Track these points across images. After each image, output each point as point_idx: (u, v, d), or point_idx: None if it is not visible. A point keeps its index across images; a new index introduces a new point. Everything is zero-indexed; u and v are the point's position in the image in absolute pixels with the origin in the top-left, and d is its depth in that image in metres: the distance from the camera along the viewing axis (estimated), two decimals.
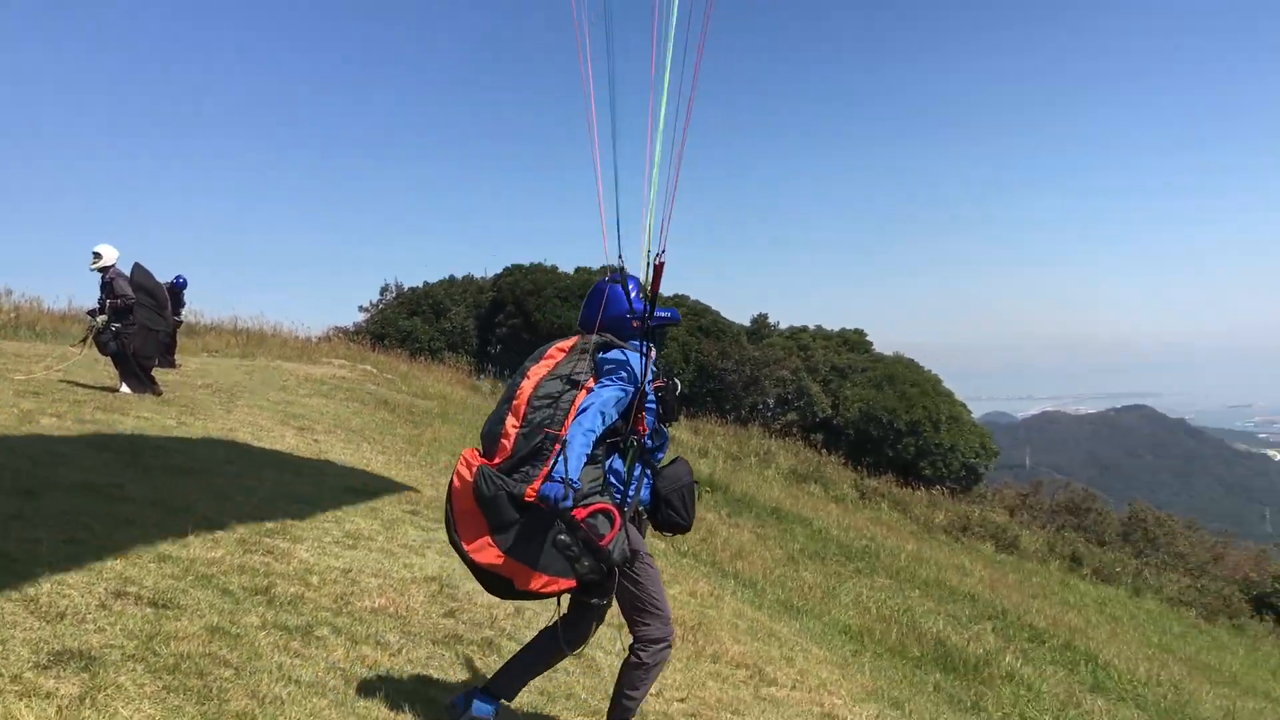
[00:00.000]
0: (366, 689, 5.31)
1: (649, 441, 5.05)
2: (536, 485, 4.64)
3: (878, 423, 42.01)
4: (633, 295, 5.22)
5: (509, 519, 4.69)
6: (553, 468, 4.61)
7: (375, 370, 26.94)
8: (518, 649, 5.56)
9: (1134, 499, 52.31)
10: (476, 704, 5.08)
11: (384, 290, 48.69)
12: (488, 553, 4.75)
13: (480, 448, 4.98)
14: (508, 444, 4.83)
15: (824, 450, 40.17)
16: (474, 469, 4.75)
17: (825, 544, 22.01)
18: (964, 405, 45.49)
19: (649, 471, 5.09)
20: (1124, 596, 29.83)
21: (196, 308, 31.08)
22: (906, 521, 31.99)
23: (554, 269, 45.13)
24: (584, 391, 4.88)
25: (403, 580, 7.79)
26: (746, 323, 48.50)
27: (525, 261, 46.05)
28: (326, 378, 22.99)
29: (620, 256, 5.20)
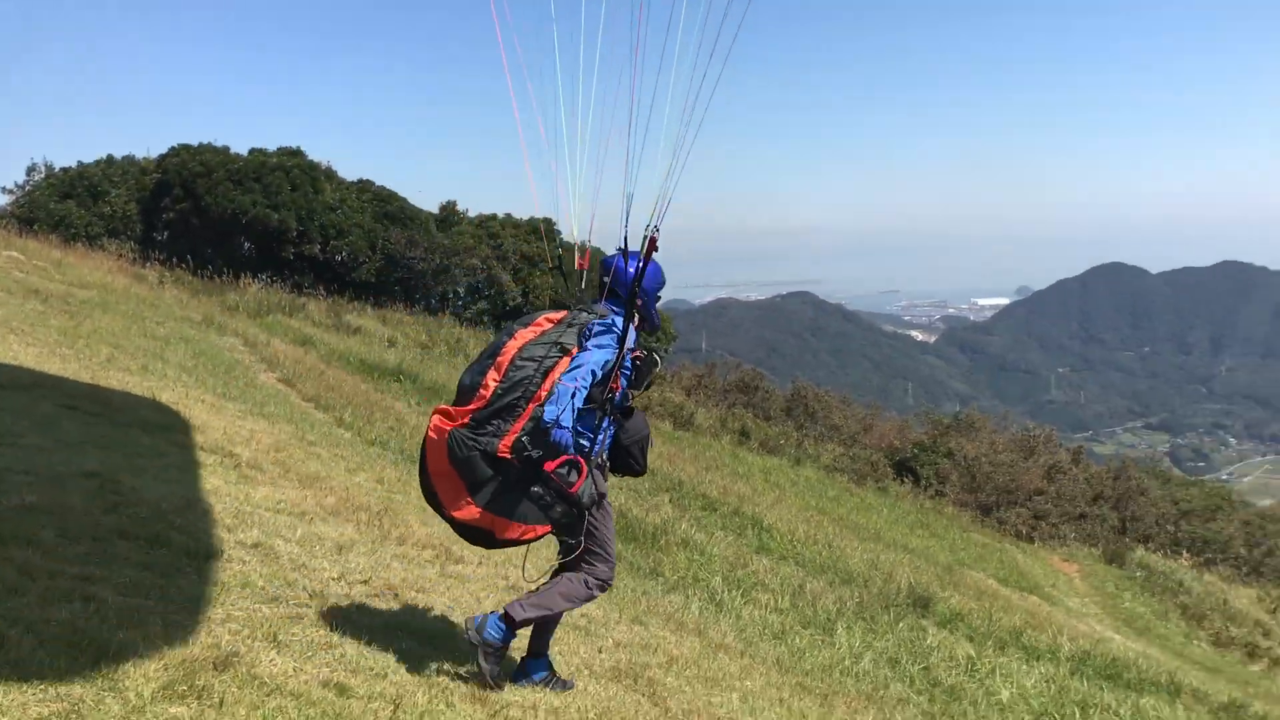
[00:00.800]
0: (16, 589, 4.95)
1: (619, 400, 5.45)
2: (508, 441, 5.06)
3: None
4: (631, 269, 5.54)
5: (484, 476, 5.09)
6: (560, 414, 5.05)
7: (23, 257, 24.38)
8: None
9: (796, 378, 56.56)
10: (530, 663, 5.72)
11: (31, 170, 43.92)
12: (467, 510, 5.16)
13: (453, 401, 5.34)
14: (486, 394, 5.17)
15: None
16: (445, 434, 5.13)
17: None
18: None
19: (613, 424, 5.50)
20: (786, 466, 32.30)
21: None
22: None
23: (226, 150, 42.21)
24: (568, 358, 5.22)
25: (58, 476, 7.25)
26: (435, 210, 47.61)
27: (194, 141, 42.80)
28: None
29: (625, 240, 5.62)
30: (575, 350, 5.25)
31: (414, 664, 5.59)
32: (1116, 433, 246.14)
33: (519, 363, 5.18)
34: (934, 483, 37.50)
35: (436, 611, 6.67)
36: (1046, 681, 11.77)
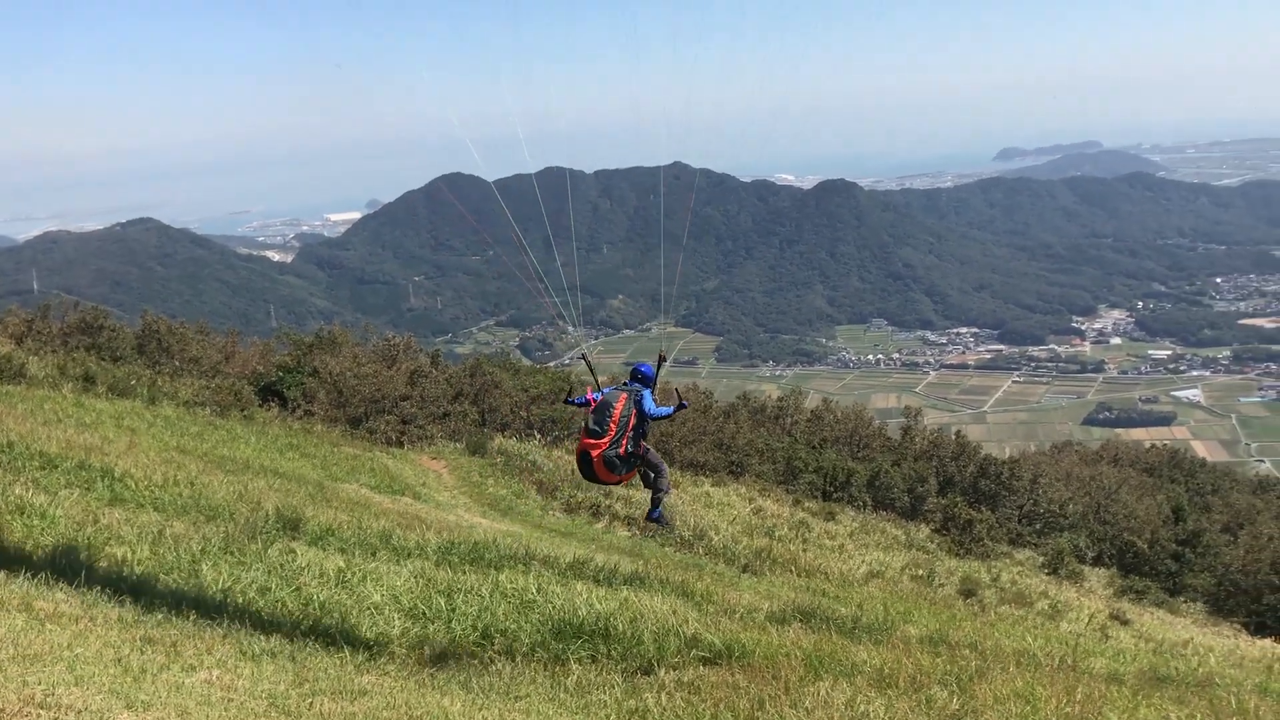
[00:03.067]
0: None
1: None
2: (623, 450, 11.65)
3: None
4: (648, 372, 12.40)
5: (616, 465, 11.64)
6: (656, 412, 12.10)
7: None
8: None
9: (147, 311, 52.59)
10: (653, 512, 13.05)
11: None
12: (613, 479, 11.95)
13: (590, 435, 11.69)
14: (612, 431, 11.57)
15: None
16: (599, 451, 11.58)
17: None
18: None
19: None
20: (140, 408, 30.14)
21: None
22: None
23: None
24: (635, 412, 11.86)
25: None
26: None
27: None
28: None
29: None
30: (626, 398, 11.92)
31: None
32: (473, 332, 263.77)
33: (622, 416, 11.65)
34: (302, 403, 37.31)
35: None
36: (415, 577, 12.36)
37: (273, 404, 36.48)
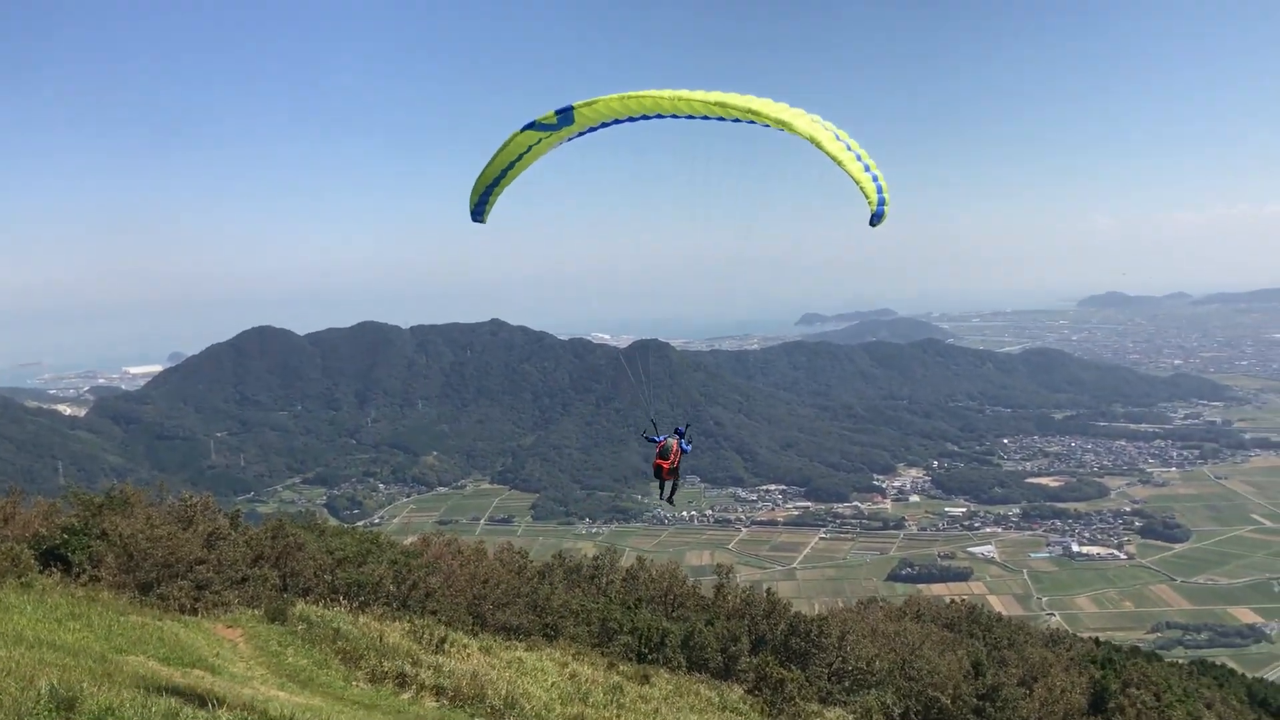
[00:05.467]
0: None
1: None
2: (676, 465, 24.74)
3: None
4: (682, 431, 25.40)
5: (675, 468, 24.76)
6: (689, 449, 25.23)
7: None
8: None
9: None
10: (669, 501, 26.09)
11: None
12: (668, 478, 24.72)
13: (662, 457, 24.67)
14: (673, 458, 24.61)
15: None
16: (668, 465, 24.59)
17: None
18: None
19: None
20: None
21: None
22: None
23: None
24: (677, 447, 24.88)
25: None
26: None
27: None
28: None
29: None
30: (676, 442, 24.89)
31: None
32: (278, 490, 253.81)
33: (676, 449, 24.64)
34: (88, 568, 34.81)
35: None
36: None
37: (55, 569, 33.88)
